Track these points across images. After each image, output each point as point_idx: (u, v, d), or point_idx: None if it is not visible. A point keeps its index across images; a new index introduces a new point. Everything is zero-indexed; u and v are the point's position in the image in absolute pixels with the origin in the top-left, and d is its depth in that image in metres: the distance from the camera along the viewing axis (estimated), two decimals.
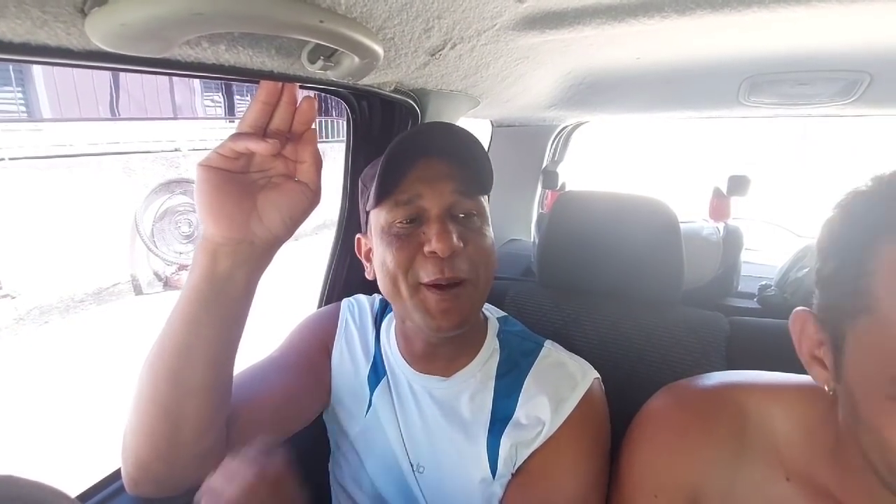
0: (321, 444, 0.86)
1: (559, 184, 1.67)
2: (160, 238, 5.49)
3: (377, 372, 0.77)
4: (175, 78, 6.26)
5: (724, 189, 1.40)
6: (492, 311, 0.82)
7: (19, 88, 5.59)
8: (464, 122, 1.13)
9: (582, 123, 1.78)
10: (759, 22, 0.62)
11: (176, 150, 6.03)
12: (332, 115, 8.58)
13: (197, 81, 7.29)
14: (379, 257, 0.67)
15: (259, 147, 0.52)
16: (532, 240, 1.62)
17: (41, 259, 4.57)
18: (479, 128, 1.65)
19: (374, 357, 0.78)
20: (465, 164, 0.66)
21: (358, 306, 0.85)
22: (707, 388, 0.62)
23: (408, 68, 0.69)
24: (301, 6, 0.40)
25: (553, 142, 1.77)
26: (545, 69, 0.91)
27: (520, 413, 0.69)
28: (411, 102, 0.87)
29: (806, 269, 1.07)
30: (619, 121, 1.66)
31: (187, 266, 5.56)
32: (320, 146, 0.59)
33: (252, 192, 0.57)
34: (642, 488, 0.61)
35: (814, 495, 0.52)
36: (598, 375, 0.73)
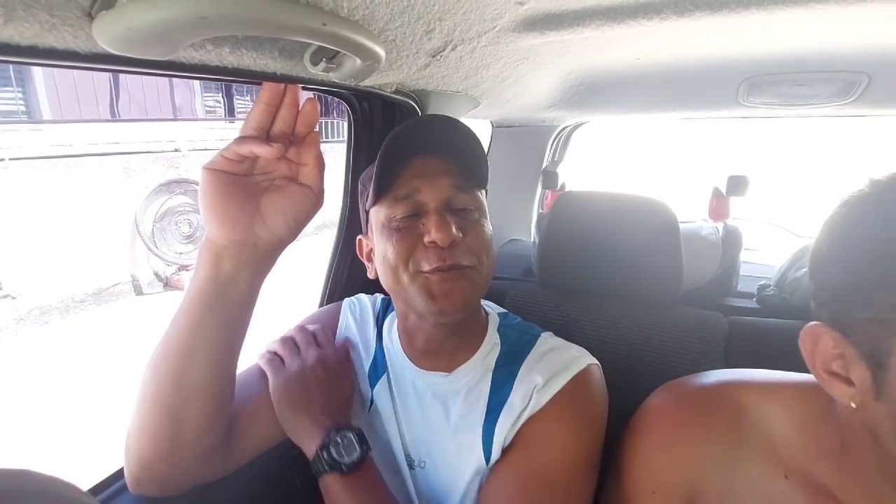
0: None
1: (559, 184, 1.68)
2: (160, 238, 5.49)
3: (377, 369, 0.78)
4: (175, 79, 6.26)
5: (723, 189, 1.40)
6: (492, 308, 0.83)
7: (19, 89, 5.59)
8: (464, 123, 1.14)
9: (582, 124, 1.79)
10: (758, 23, 0.63)
11: (176, 150, 6.03)
12: (332, 116, 8.58)
13: (197, 82, 7.29)
14: (380, 252, 0.68)
15: (263, 151, 0.52)
16: (532, 240, 1.63)
17: (41, 259, 4.57)
18: (479, 128, 1.65)
19: (375, 354, 0.79)
20: (461, 159, 0.66)
21: (359, 305, 0.86)
22: (705, 386, 0.63)
23: (409, 70, 0.69)
24: (304, 9, 0.40)
25: (553, 142, 1.78)
26: (545, 70, 0.91)
27: (514, 397, 0.68)
28: (412, 103, 0.88)
29: (805, 269, 1.07)
30: (619, 121, 1.67)
31: (188, 266, 5.59)
32: (321, 146, 0.60)
33: (255, 194, 0.57)
34: (640, 486, 0.61)
35: (812, 493, 0.52)
36: (598, 362, 0.72)
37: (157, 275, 5.63)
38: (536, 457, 0.65)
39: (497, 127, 1.65)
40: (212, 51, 0.45)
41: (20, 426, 2.97)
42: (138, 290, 5.46)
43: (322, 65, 0.52)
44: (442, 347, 0.73)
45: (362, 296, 0.89)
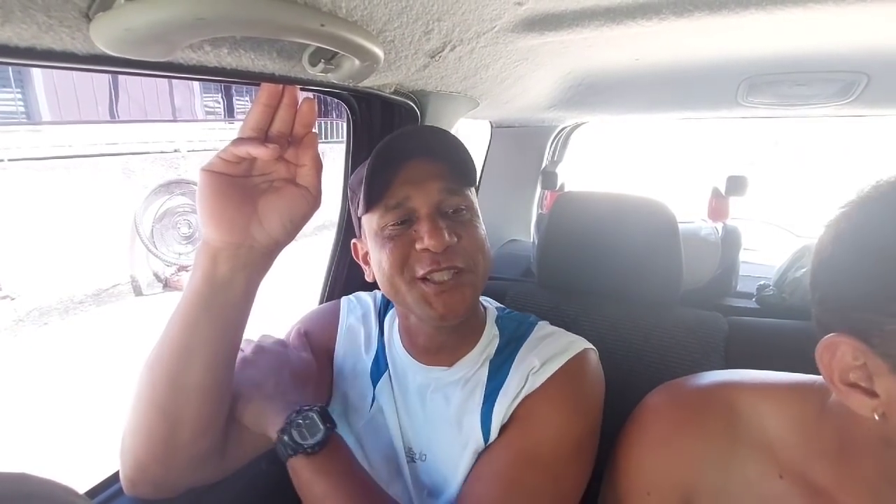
0: None
1: (558, 184, 1.68)
2: (160, 239, 5.48)
3: (379, 367, 0.78)
4: (174, 80, 6.26)
5: (722, 189, 1.40)
6: (491, 302, 0.84)
7: (18, 90, 5.58)
8: (463, 123, 1.14)
9: (581, 124, 1.79)
10: (757, 23, 0.63)
11: (175, 150, 6.03)
12: (331, 117, 8.58)
13: (196, 83, 7.29)
14: (375, 260, 0.68)
15: (259, 152, 0.52)
16: (531, 240, 1.63)
17: (41, 260, 4.57)
18: (478, 129, 1.65)
19: (377, 352, 0.79)
20: (448, 160, 0.66)
21: (360, 304, 0.86)
22: (700, 387, 0.63)
23: (408, 70, 0.69)
24: (302, 10, 0.40)
25: (552, 142, 1.78)
26: (544, 70, 0.91)
27: (510, 380, 0.69)
28: (411, 104, 0.88)
29: (804, 269, 1.07)
30: (618, 121, 1.67)
31: (187, 267, 5.58)
32: (320, 147, 0.60)
33: (253, 196, 0.57)
34: (636, 486, 0.61)
35: (808, 492, 0.52)
36: (594, 348, 0.73)
37: (156, 275, 5.62)
38: (529, 435, 0.65)
39: (496, 127, 1.65)
40: (210, 52, 0.45)
41: (19, 427, 2.97)
42: (138, 291, 5.45)
43: (321, 65, 0.52)
44: (443, 345, 0.73)
45: (361, 294, 0.88)
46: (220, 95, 8.12)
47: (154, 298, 5.40)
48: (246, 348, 0.72)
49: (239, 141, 0.53)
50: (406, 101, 0.86)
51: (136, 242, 5.37)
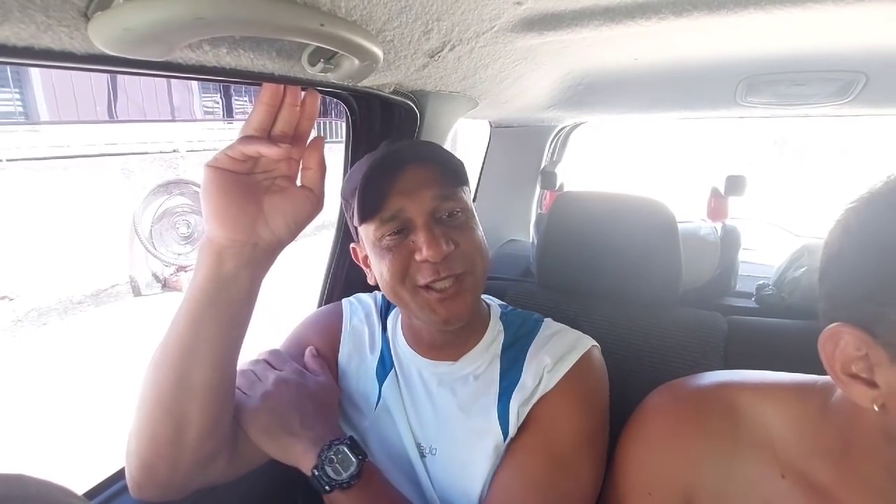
0: None
1: (557, 184, 1.68)
2: (159, 239, 5.47)
3: (384, 365, 0.79)
4: (173, 80, 6.25)
5: (721, 189, 1.40)
6: (493, 300, 0.85)
7: (17, 90, 5.57)
8: (462, 123, 1.14)
9: (580, 124, 1.79)
10: (756, 23, 0.63)
11: (174, 151, 6.02)
12: (331, 117, 8.58)
13: (195, 83, 7.28)
14: (376, 269, 0.69)
15: (271, 152, 0.52)
16: (531, 240, 1.63)
17: (39, 261, 4.56)
18: (477, 128, 1.65)
19: (382, 351, 0.80)
20: (437, 164, 0.67)
21: (361, 305, 0.86)
22: (701, 387, 0.63)
23: (407, 70, 0.69)
24: (301, 10, 0.40)
25: (551, 142, 1.78)
26: (543, 70, 0.91)
27: (525, 377, 0.71)
28: (410, 104, 0.88)
29: (803, 269, 1.07)
30: (618, 121, 1.67)
31: (186, 267, 5.58)
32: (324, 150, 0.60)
33: (257, 194, 0.57)
34: (637, 486, 0.62)
35: (809, 491, 0.52)
36: (598, 344, 0.76)
37: (155, 276, 5.61)
38: (551, 437, 0.67)
39: (495, 127, 1.65)
40: (209, 51, 0.45)
41: (18, 428, 2.96)
42: (137, 292, 5.45)
43: (320, 65, 0.52)
44: (448, 342, 0.75)
45: (361, 295, 0.89)
46: (218, 95, 8.10)
47: (153, 299, 5.39)
48: (265, 379, 0.70)
49: (248, 139, 0.54)
50: (405, 100, 0.86)
51: (135, 243, 5.36)
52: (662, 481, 0.60)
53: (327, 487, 0.61)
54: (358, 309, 0.86)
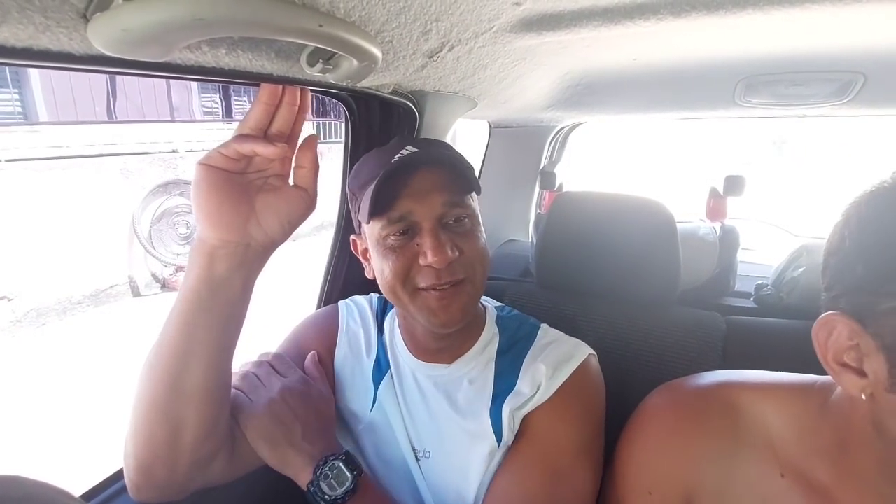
0: None
1: (557, 184, 1.68)
2: (158, 239, 5.47)
3: (380, 367, 0.78)
4: (172, 80, 6.24)
5: (720, 189, 1.40)
6: (490, 301, 0.85)
7: (16, 90, 5.56)
8: (462, 123, 1.14)
9: (579, 124, 1.79)
10: (754, 23, 0.63)
11: (173, 151, 6.02)
12: (329, 117, 8.57)
13: (194, 83, 7.27)
14: (377, 266, 0.69)
15: (267, 150, 0.52)
16: (530, 241, 1.63)
17: (38, 261, 4.56)
18: (476, 129, 1.65)
19: (377, 353, 0.80)
20: (449, 169, 0.67)
21: (357, 307, 0.86)
22: (700, 387, 0.63)
23: (406, 70, 0.69)
24: (300, 11, 0.40)
25: (550, 142, 1.78)
26: (542, 70, 0.91)
27: (521, 385, 0.71)
28: (409, 104, 0.88)
29: (802, 269, 1.07)
30: (617, 121, 1.67)
31: (185, 267, 5.54)
32: (318, 146, 0.60)
33: (249, 193, 0.57)
34: (638, 486, 0.62)
35: (808, 491, 0.53)
36: (594, 352, 0.76)
37: (154, 276, 5.61)
38: (547, 446, 0.67)
39: (495, 127, 1.65)
40: (208, 52, 0.45)
41: (17, 429, 2.96)
42: (136, 292, 5.44)
43: (319, 66, 0.52)
44: (444, 343, 0.75)
45: (358, 297, 0.89)
46: (217, 96, 8.09)
47: (152, 299, 5.38)
48: (270, 385, 0.70)
49: (244, 137, 0.53)
50: (404, 101, 0.86)
51: (134, 243, 5.35)
52: (662, 481, 0.60)
53: (322, 503, 0.61)
54: (354, 311, 0.86)
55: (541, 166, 1.79)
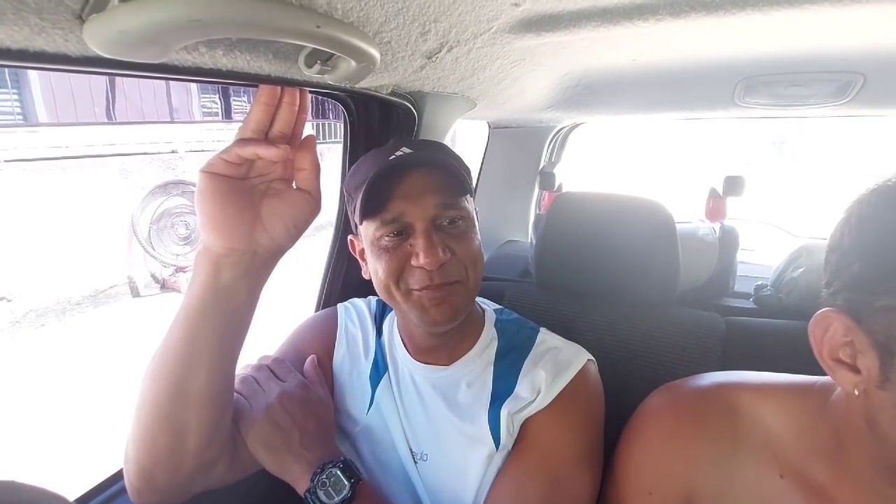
0: None
1: (556, 185, 1.68)
2: (157, 240, 5.47)
3: (378, 369, 0.78)
4: (172, 81, 6.23)
5: (719, 190, 1.40)
6: (488, 304, 0.85)
7: (14, 91, 5.56)
8: (461, 124, 1.14)
9: (578, 125, 1.79)
10: (753, 24, 0.63)
11: (173, 151, 6.02)
12: (328, 118, 8.57)
13: (193, 84, 7.26)
14: (371, 266, 0.69)
15: (269, 153, 0.51)
16: (529, 241, 1.63)
17: (38, 262, 4.55)
18: (476, 129, 1.65)
19: (375, 355, 0.80)
20: (444, 170, 0.67)
21: (355, 310, 0.86)
22: (700, 388, 0.63)
23: (405, 71, 0.69)
24: (298, 12, 0.40)
25: (550, 143, 1.78)
26: (541, 71, 0.91)
27: (520, 389, 0.71)
28: (408, 105, 0.88)
29: (801, 269, 1.07)
30: (616, 122, 1.67)
31: (184, 268, 5.56)
32: (318, 147, 0.60)
33: (254, 200, 0.56)
34: (637, 486, 0.62)
35: (807, 491, 0.53)
36: (593, 358, 0.76)
37: (153, 276, 5.61)
38: (547, 454, 0.67)
39: (494, 128, 1.65)
40: (205, 53, 0.45)
41: (16, 430, 2.96)
42: (135, 292, 5.44)
43: (317, 67, 0.52)
44: (440, 345, 0.75)
45: (356, 300, 0.89)
46: (217, 96, 8.09)
47: (151, 300, 5.38)
48: (269, 390, 0.70)
49: (244, 141, 0.52)
50: (403, 101, 0.86)
51: (134, 243, 5.35)
52: (662, 481, 0.60)
53: None
54: (353, 314, 0.86)
55: (540, 167, 1.79)
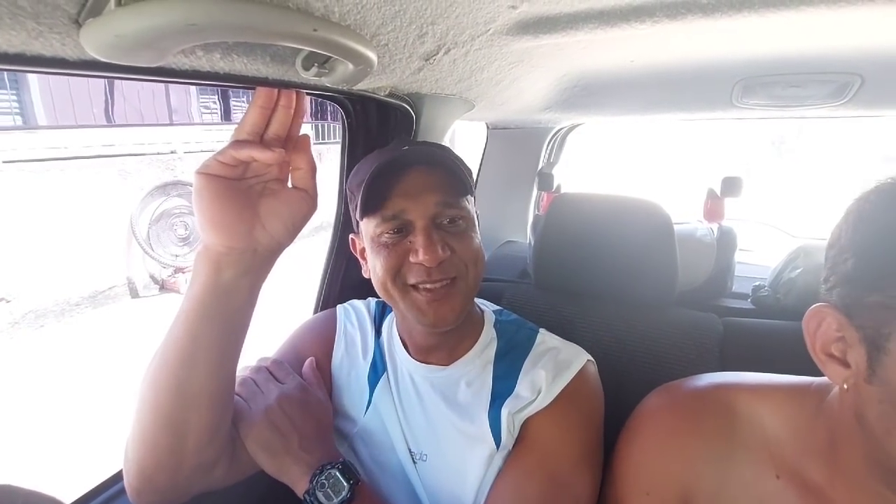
0: None
1: (555, 186, 1.68)
2: (156, 241, 5.46)
3: (376, 370, 0.78)
4: (170, 84, 6.21)
5: (717, 190, 1.40)
6: (487, 305, 0.85)
7: (13, 92, 5.55)
8: (459, 125, 1.14)
9: (577, 125, 1.79)
10: (751, 25, 0.63)
11: (172, 152, 6.01)
12: (327, 119, 8.57)
13: (192, 86, 7.26)
14: (371, 263, 0.70)
15: (265, 156, 0.52)
16: (528, 242, 1.63)
17: (37, 262, 4.55)
18: (474, 130, 1.65)
19: (374, 356, 0.80)
20: (445, 170, 0.67)
21: (354, 311, 0.86)
22: (697, 389, 0.63)
23: (402, 73, 0.69)
24: (295, 15, 0.40)
25: (548, 144, 1.78)
26: (539, 72, 0.91)
27: (520, 389, 0.71)
28: (406, 107, 0.88)
29: (799, 270, 1.07)
30: (614, 123, 1.67)
31: (183, 269, 5.56)
32: (317, 148, 0.60)
33: (251, 199, 0.57)
34: (635, 487, 0.62)
35: (804, 492, 0.53)
36: (592, 358, 0.76)
37: (152, 277, 5.60)
38: (547, 455, 0.67)
39: (492, 129, 1.65)
40: (202, 56, 0.45)
41: (15, 430, 2.95)
42: (134, 293, 5.43)
43: (314, 69, 0.52)
44: (439, 344, 0.75)
45: (355, 301, 0.89)
46: (216, 97, 8.09)
47: (151, 300, 5.38)
48: (268, 392, 0.70)
49: (240, 143, 0.53)
50: (401, 103, 0.86)
51: (133, 244, 5.34)
52: (660, 482, 0.60)
53: None
54: (352, 315, 0.86)
55: (539, 167, 1.79)
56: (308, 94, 0.72)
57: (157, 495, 0.62)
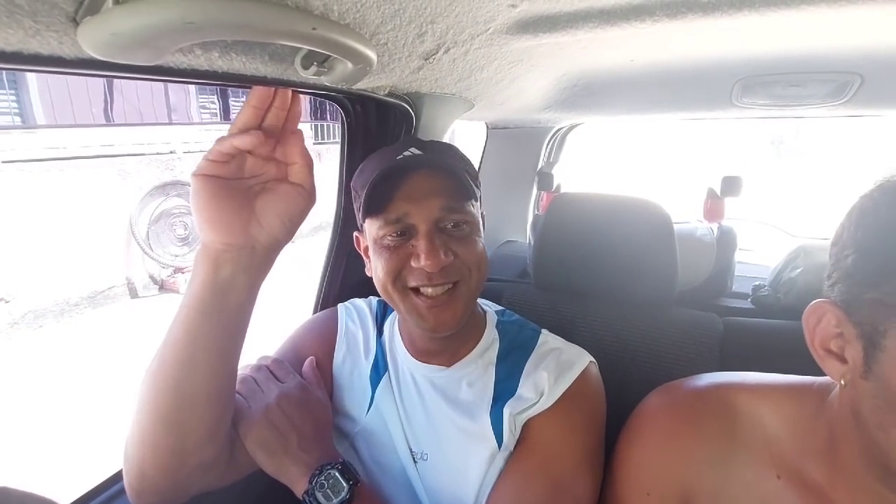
0: None
1: (554, 185, 1.68)
2: (155, 241, 5.46)
3: (378, 369, 0.78)
4: (169, 83, 6.20)
5: (717, 190, 1.40)
6: (490, 305, 0.85)
7: (12, 91, 5.55)
8: (459, 125, 1.14)
9: (577, 125, 1.79)
10: (750, 25, 0.63)
11: (171, 152, 6.01)
12: (326, 119, 8.57)
13: (191, 85, 7.26)
14: (373, 263, 0.70)
15: (244, 141, 0.52)
16: (528, 241, 1.63)
17: (36, 263, 4.55)
18: (474, 130, 1.65)
19: (376, 355, 0.80)
20: (450, 174, 0.67)
21: (356, 310, 0.86)
22: (698, 389, 0.63)
23: (402, 73, 0.69)
24: (294, 14, 0.40)
25: (548, 143, 1.78)
26: (539, 72, 0.91)
27: (522, 390, 0.71)
28: (406, 106, 0.88)
29: (799, 269, 1.07)
30: (614, 122, 1.67)
31: (183, 269, 5.56)
32: (316, 148, 0.60)
33: (248, 197, 0.57)
34: (636, 487, 0.62)
35: (804, 492, 0.53)
36: (594, 360, 0.76)
37: (152, 277, 5.60)
38: (548, 456, 0.67)
39: (492, 129, 1.65)
40: (201, 55, 0.45)
41: (14, 431, 2.95)
42: (133, 293, 5.43)
43: (313, 68, 0.52)
44: (441, 347, 0.75)
45: (357, 301, 0.89)
46: (215, 97, 8.09)
47: (150, 300, 5.38)
48: (268, 391, 0.70)
49: (222, 138, 0.53)
50: (401, 103, 0.86)
51: (132, 244, 5.34)
52: (660, 482, 0.60)
53: None
54: (353, 314, 0.86)
55: (538, 167, 1.79)
56: (307, 93, 0.72)
57: (157, 495, 0.61)
